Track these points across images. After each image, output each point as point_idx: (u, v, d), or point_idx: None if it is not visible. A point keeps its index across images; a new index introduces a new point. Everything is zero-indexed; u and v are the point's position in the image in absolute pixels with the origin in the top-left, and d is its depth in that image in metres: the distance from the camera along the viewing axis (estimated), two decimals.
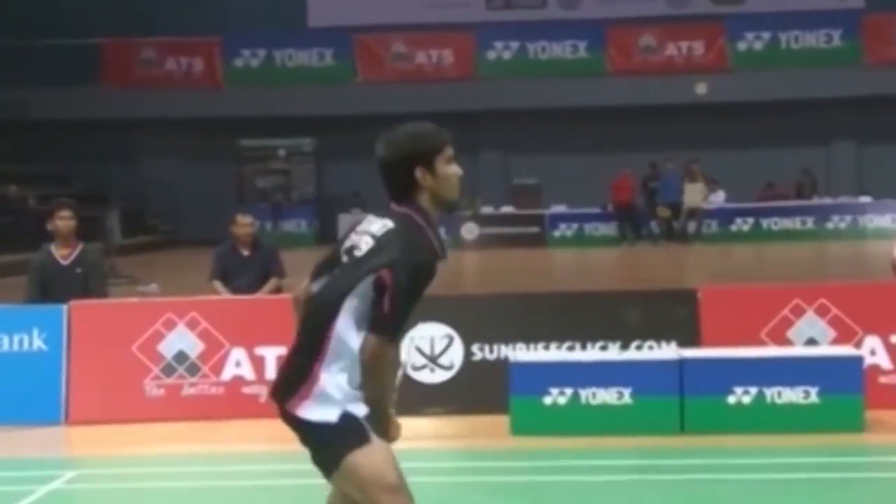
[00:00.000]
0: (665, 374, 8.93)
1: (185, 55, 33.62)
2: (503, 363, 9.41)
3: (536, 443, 8.69)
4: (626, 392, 8.89)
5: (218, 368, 9.96)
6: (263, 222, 28.54)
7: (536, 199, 32.38)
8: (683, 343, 9.52)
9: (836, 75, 31.30)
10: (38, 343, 9.97)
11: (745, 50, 32.71)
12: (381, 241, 4.40)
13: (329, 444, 4.36)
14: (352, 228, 4.63)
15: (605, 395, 8.90)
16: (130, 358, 9.93)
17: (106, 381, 9.95)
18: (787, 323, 9.68)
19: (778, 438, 8.61)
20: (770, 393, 8.83)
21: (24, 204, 27.38)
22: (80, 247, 10.67)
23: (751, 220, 30.96)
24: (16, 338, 9.98)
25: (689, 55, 32.94)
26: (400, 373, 4.63)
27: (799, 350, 9.43)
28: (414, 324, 9.86)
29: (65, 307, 10.03)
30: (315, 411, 4.36)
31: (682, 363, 8.96)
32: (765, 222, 30.92)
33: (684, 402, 8.85)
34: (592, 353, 9.54)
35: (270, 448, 9.01)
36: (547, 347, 9.70)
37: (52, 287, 10.43)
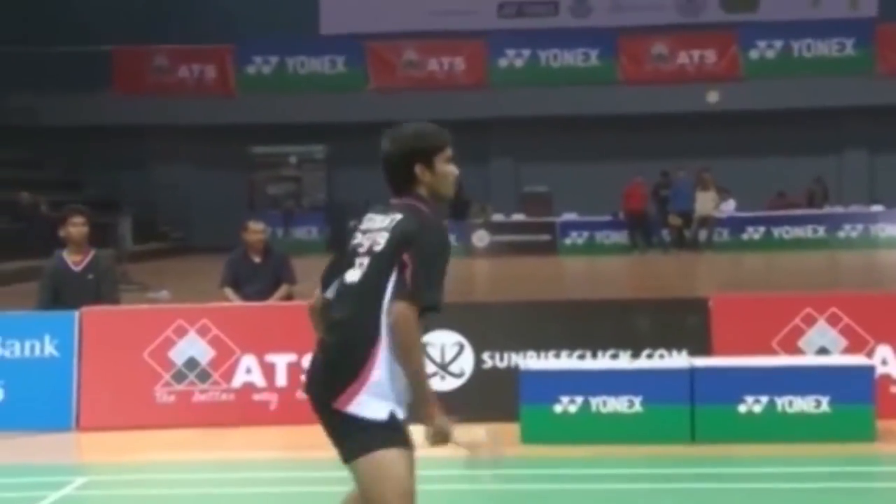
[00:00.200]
0: (676, 383, 8.91)
1: (197, 62, 33.72)
2: (514, 371, 9.40)
3: (546, 451, 8.68)
4: (637, 401, 8.88)
5: (228, 375, 9.96)
6: (274, 229, 28.55)
7: (547, 207, 32.38)
8: (694, 352, 9.51)
9: (849, 84, 31.26)
10: (49, 349, 9.99)
11: (757, 58, 32.69)
12: (395, 231, 4.65)
13: (367, 434, 4.54)
14: (355, 229, 4.83)
15: (616, 404, 8.89)
16: (141, 364, 9.94)
17: (117, 387, 9.96)
18: (799, 332, 9.66)
19: (789, 448, 8.59)
20: (781, 402, 8.81)
21: (36, 210, 27.47)
22: (92, 253, 10.68)
23: (762, 229, 30.92)
24: (27, 344, 10.00)
25: (701, 63, 32.93)
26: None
27: (810, 359, 9.41)
28: (425, 331, 9.86)
29: (76, 313, 10.05)
30: (367, 408, 4.55)
31: (692, 372, 8.94)
32: (776, 231, 30.88)
33: (695, 411, 8.83)
34: (603, 362, 9.53)
35: (280, 455, 9.03)
36: (557, 356, 9.69)
37: (63, 293, 10.44)
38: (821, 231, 30.86)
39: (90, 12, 33.87)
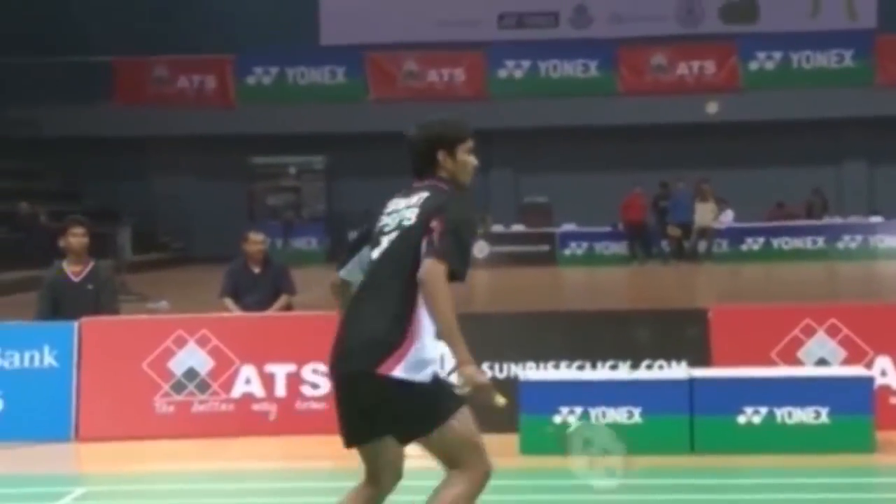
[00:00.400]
0: (675, 394, 8.91)
1: (197, 73, 33.77)
2: (513, 382, 9.39)
3: (546, 462, 8.65)
4: (636, 411, 8.88)
5: (228, 386, 9.96)
6: (274, 240, 28.54)
7: (547, 218, 32.39)
8: (694, 363, 9.51)
9: (848, 95, 31.30)
10: (48, 360, 9.98)
11: (756, 69, 32.74)
12: (424, 206, 4.94)
13: (430, 405, 4.87)
14: (378, 214, 5.11)
15: (615, 415, 8.88)
16: (141, 375, 9.94)
17: (116, 397, 9.96)
18: (798, 343, 9.66)
19: (788, 459, 8.58)
20: (780, 413, 8.81)
21: (35, 220, 27.49)
22: (91, 264, 10.68)
23: (761, 240, 30.94)
24: (27, 354, 9.99)
25: (701, 74, 32.99)
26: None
27: (809, 370, 9.41)
28: None
29: (76, 324, 10.04)
30: (414, 372, 4.81)
31: (692, 383, 8.95)
32: (775, 242, 30.90)
33: (694, 422, 8.83)
34: (602, 373, 9.54)
35: (280, 465, 9.02)
36: (557, 366, 9.69)
37: (63, 304, 10.44)
38: (820, 242, 30.88)
39: (90, 23, 33.92)
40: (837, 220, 31.90)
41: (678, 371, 9.42)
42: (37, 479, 8.70)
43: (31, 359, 9.98)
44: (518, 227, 32.06)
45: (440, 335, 4.85)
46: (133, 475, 8.80)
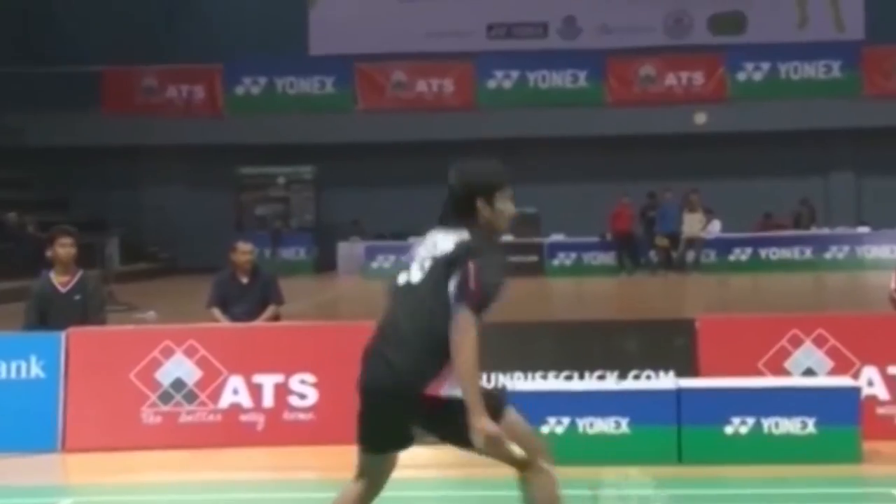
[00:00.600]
0: (662, 404, 8.92)
1: (186, 83, 33.75)
2: (501, 392, 9.39)
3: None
4: (624, 422, 8.88)
5: (215, 396, 9.94)
6: (262, 250, 28.52)
7: (535, 228, 32.37)
8: (681, 373, 9.52)
9: (836, 106, 31.39)
10: (35, 370, 9.95)
11: (744, 80, 32.83)
12: (461, 244, 5.16)
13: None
14: (417, 245, 5.39)
15: (603, 425, 8.89)
16: (128, 385, 9.92)
17: (103, 408, 9.93)
18: (785, 353, 9.68)
19: (775, 469, 8.59)
20: (767, 423, 8.82)
21: (23, 230, 27.42)
22: (79, 274, 10.66)
23: (749, 251, 30.97)
24: (13, 365, 9.95)
25: (689, 85, 33.06)
26: None
27: (796, 381, 9.42)
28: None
29: (63, 334, 10.02)
30: (457, 390, 5.03)
31: (679, 393, 8.95)
32: (763, 252, 30.93)
33: (681, 432, 8.84)
34: (590, 383, 9.54)
35: (267, 476, 9.01)
36: (545, 376, 9.70)
37: (50, 314, 10.42)
38: (807, 252, 30.91)
39: (79, 32, 33.91)
40: (825, 230, 31.95)
41: (666, 381, 9.43)
42: (23, 491, 8.67)
43: (18, 369, 9.95)
44: (506, 237, 31.96)
45: (458, 380, 5.03)
46: (120, 486, 8.78)
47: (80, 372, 9.96)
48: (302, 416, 9.81)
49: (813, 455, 8.66)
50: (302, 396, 9.84)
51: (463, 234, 5.21)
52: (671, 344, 9.92)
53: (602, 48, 33.85)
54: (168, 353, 9.97)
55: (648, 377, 9.67)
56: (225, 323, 11.21)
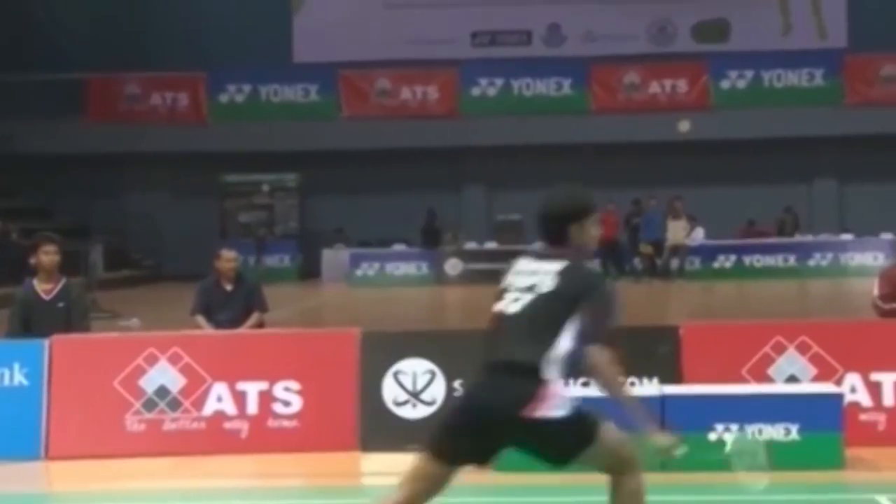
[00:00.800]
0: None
1: (170, 90, 33.71)
2: None
3: (518, 479, 8.66)
4: None
5: (199, 403, 9.93)
6: (246, 257, 28.49)
7: (520, 235, 32.34)
8: (665, 379, 9.53)
9: (818, 114, 31.51)
10: (18, 378, 9.92)
11: (727, 88, 32.94)
12: (567, 278, 5.52)
13: (579, 430, 5.60)
14: (508, 272, 5.81)
15: None
16: (111, 393, 9.90)
17: (87, 415, 9.90)
18: (769, 360, 9.70)
19: (758, 476, 8.59)
20: (751, 430, 8.84)
21: (6, 238, 27.34)
22: (62, 281, 10.65)
23: (733, 258, 31.05)
24: None
25: (673, 93, 33.15)
26: None
27: (780, 387, 9.45)
28: (396, 359, 9.87)
29: (46, 342, 10.00)
30: (557, 410, 5.45)
31: (663, 400, 8.97)
32: (747, 259, 31.00)
33: None
34: (574, 390, 9.52)
35: (251, 484, 9.00)
36: None
37: (33, 322, 10.40)
38: (791, 260, 31.01)
39: (63, 40, 33.83)
40: (808, 237, 32.05)
41: (649, 388, 9.44)
42: (7, 498, 8.65)
43: (1, 377, 9.91)
44: (491, 245, 32.04)
45: (631, 409, 5.69)
46: (104, 493, 8.76)
47: (63, 379, 9.94)
48: (286, 423, 9.80)
49: (796, 461, 8.67)
50: (286, 404, 9.84)
51: (562, 263, 5.53)
52: (655, 351, 9.93)
53: (586, 56, 33.92)
54: (152, 360, 9.95)
55: (632, 384, 9.67)
56: (209, 330, 11.20)
